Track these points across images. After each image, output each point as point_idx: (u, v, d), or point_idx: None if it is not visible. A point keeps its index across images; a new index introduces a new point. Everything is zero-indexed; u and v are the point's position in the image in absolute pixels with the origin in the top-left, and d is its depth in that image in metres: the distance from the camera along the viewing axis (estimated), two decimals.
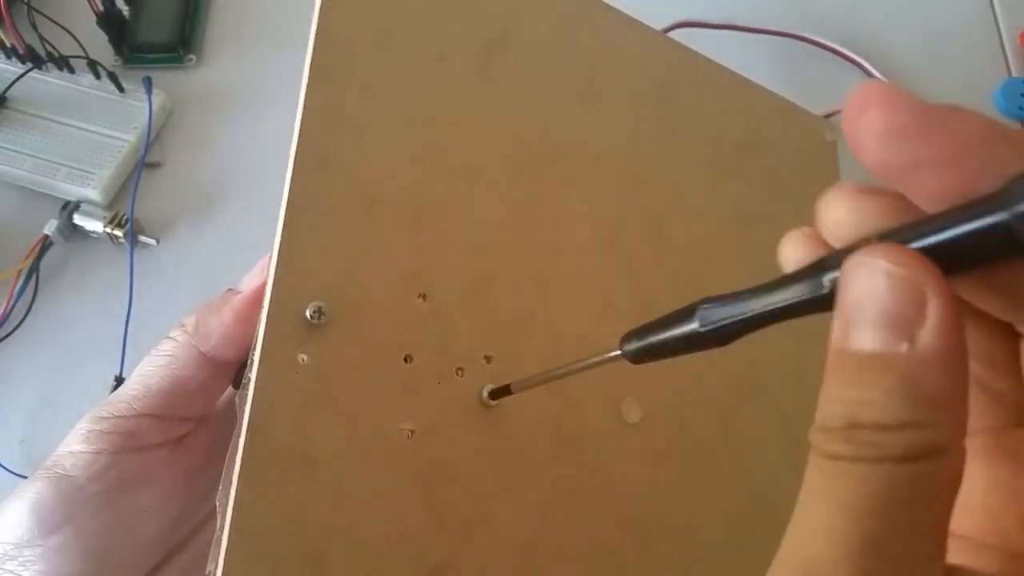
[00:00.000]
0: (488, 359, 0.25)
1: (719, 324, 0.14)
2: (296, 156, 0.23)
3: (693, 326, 0.15)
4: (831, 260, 0.12)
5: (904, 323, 0.10)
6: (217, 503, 0.20)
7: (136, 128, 0.42)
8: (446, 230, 0.25)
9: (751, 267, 0.34)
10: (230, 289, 0.25)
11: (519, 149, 0.28)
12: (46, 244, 0.39)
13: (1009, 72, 0.49)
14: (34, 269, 0.39)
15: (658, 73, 0.34)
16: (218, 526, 0.19)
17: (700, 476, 0.28)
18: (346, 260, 0.23)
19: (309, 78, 0.23)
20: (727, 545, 0.28)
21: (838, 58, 0.47)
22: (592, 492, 0.26)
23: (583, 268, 0.28)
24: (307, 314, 0.21)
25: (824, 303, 0.12)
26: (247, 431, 0.20)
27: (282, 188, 0.22)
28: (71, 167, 0.40)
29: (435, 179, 0.26)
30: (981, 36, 0.50)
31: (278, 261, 0.21)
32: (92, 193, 0.40)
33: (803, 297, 0.13)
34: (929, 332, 0.10)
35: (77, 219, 0.39)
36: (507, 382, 0.24)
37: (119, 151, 0.41)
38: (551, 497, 0.25)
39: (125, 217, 0.40)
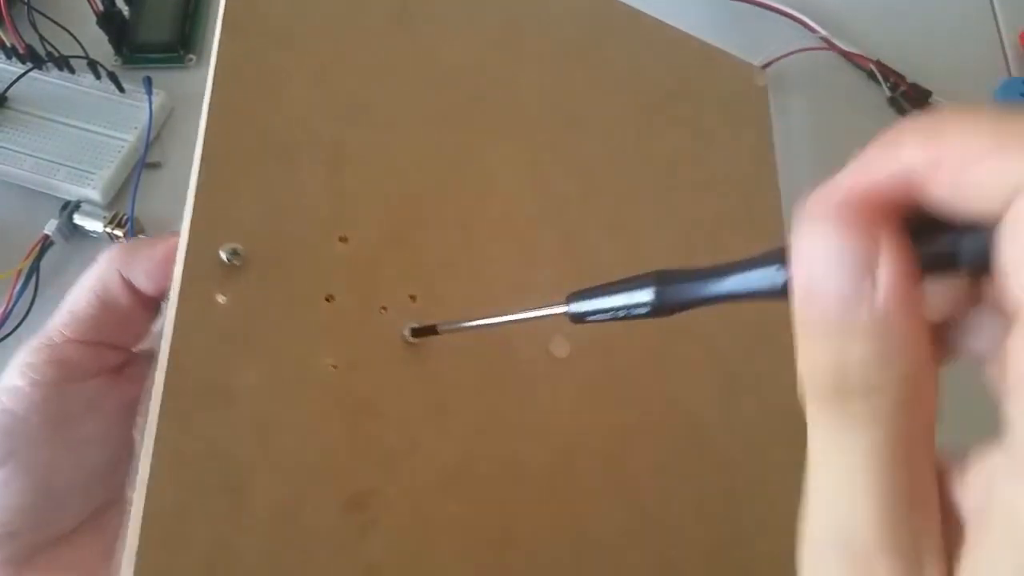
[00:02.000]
0: (413, 298, 0.25)
1: (674, 302, 0.14)
2: (210, 106, 0.23)
3: (646, 300, 0.15)
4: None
5: (857, 283, 0.11)
6: (135, 434, 0.20)
7: (136, 128, 0.42)
8: (367, 176, 0.26)
9: (679, 211, 0.34)
10: (175, 232, 0.25)
11: (441, 96, 0.29)
12: (46, 244, 0.39)
13: (1009, 72, 0.49)
14: (34, 269, 0.39)
15: (583, 22, 0.34)
16: (137, 455, 0.19)
17: (628, 407, 0.29)
18: (262, 205, 0.23)
19: (222, 30, 0.24)
20: (656, 471, 0.28)
21: (778, 15, 0.49)
22: (519, 424, 0.26)
23: (509, 212, 0.29)
24: (223, 256, 0.22)
25: (785, 292, 0.12)
26: (167, 367, 0.20)
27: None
28: (71, 167, 0.40)
29: (354, 127, 0.26)
30: (981, 36, 0.50)
31: (193, 206, 0.22)
32: (92, 193, 0.40)
33: (763, 287, 0.13)
34: (881, 285, 0.11)
35: (77, 219, 0.39)
36: (432, 321, 0.24)
37: (119, 151, 0.41)
38: (477, 428, 0.25)
39: (125, 217, 0.40)
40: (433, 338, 0.24)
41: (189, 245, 0.21)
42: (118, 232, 0.39)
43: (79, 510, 0.25)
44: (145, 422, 0.20)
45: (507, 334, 0.27)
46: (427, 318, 0.25)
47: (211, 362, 0.21)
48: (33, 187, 0.40)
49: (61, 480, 0.24)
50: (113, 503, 0.25)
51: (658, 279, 0.15)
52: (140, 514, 0.18)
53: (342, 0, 0.27)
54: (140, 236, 0.34)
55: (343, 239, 0.24)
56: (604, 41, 0.34)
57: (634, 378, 0.29)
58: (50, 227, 0.39)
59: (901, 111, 0.47)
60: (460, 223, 0.27)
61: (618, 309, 0.16)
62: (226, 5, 0.24)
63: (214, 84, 0.23)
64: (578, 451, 0.27)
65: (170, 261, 0.23)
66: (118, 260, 0.25)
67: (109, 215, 0.40)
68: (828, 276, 0.11)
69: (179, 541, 0.19)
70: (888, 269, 0.11)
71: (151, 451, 0.19)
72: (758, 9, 0.49)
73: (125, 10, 0.45)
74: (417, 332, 0.24)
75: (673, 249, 0.33)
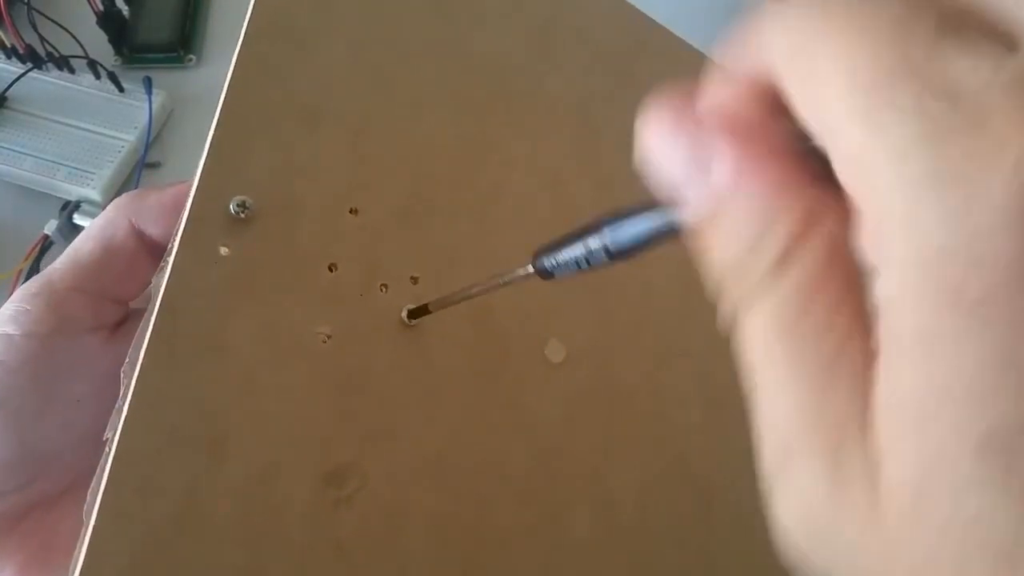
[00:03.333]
0: (415, 280, 0.25)
1: (624, 238, 0.14)
2: (238, 56, 0.23)
3: (600, 240, 0.15)
4: None
5: (698, 169, 0.11)
6: (122, 374, 0.19)
7: (136, 128, 0.42)
8: (386, 153, 0.26)
9: None
10: (185, 181, 0.24)
11: (469, 85, 0.29)
12: (46, 244, 0.39)
13: None
14: (34, 269, 0.39)
15: (618, 35, 0.34)
16: (120, 395, 0.19)
17: (617, 422, 0.28)
18: (278, 164, 0.23)
19: None
20: (638, 491, 0.28)
21: None
22: (506, 422, 0.26)
23: (521, 209, 0.29)
24: (231, 207, 0.21)
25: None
26: (159, 308, 0.20)
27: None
28: (71, 167, 0.40)
29: (381, 103, 0.26)
30: None
31: (208, 154, 0.21)
32: (92, 193, 0.40)
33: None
34: (726, 156, 0.11)
35: (77, 219, 0.40)
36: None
37: (119, 151, 0.41)
38: (463, 419, 0.25)
39: None
40: (429, 324, 0.24)
41: (198, 191, 0.21)
42: None
43: (66, 473, 0.24)
44: (128, 362, 0.19)
45: (503, 332, 0.26)
46: (426, 301, 0.24)
47: (204, 312, 0.21)
48: (33, 187, 0.40)
49: (49, 439, 0.23)
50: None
51: (606, 217, 0.15)
52: (113, 452, 0.18)
53: None
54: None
55: (353, 211, 0.24)
56: (636, 58, 0.34)
57: (624, 392, 0.29)
58: (50, 227, 0.39)
59: None
60: (471, 213, 0.27)
61: (576, 257, 0.16)
62: None
63: (245, 35, 0.23)
64: (561, 458, 0.27)
65: (180, 207, 0.22)
66: (127, 207, 0.24)
67: None
68: (667, 171, 0.12)
69: (150, 486, 0.18)
70: (719, 139, 0.11)
71: (132, 390, 0.19)
72: None
73: (125, 10, 0.45)
74: (414, 313, 0.24)
75: (681, 263, 0.33)
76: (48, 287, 0.23)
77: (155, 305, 0.20)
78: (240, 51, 0.23)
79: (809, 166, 0.11)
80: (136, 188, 0.40)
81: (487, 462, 0.25)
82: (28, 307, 0.23)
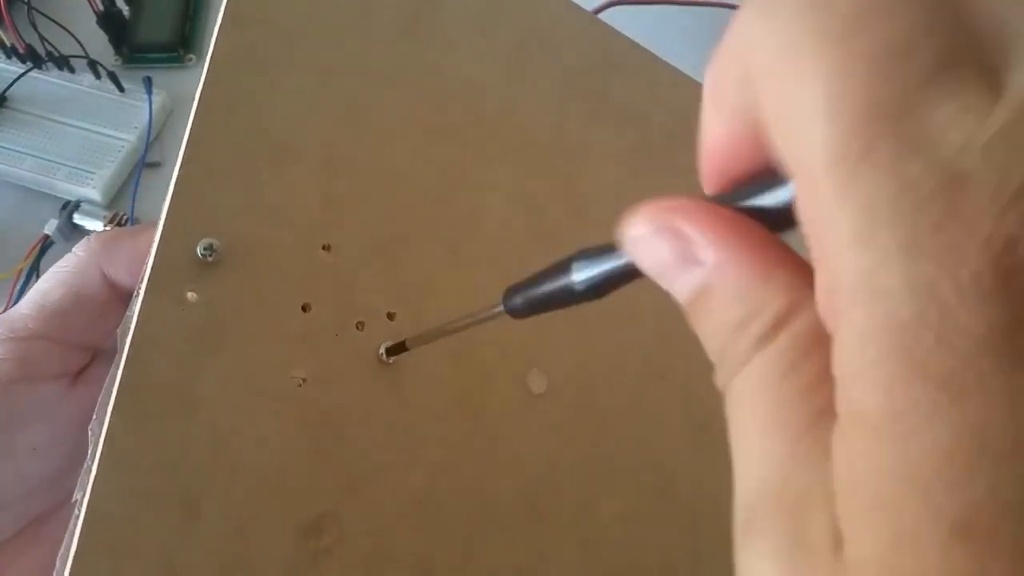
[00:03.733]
0: (391, 316, 0.24)
1: (593, 279, 0.14)
2: (202, 93, 0.22)
3: (569, 280, 0.15)
4: None
5: (682, 261, 0.11)
6: (90, 431, 0.19)
7: (136, 128, 0.42)
8: (357, 185, 0.25)
9: None
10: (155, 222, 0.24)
11: (441, 113, 0.28)
12: (46, 244, 0.39)
13: None
14: (34, 269, 0.39)
15: (590, 55, 0.33)
16: (89, 455, 0.19)
17: (602, 452, 0.28)
18: (246, 203, 0.22)
19: (223, 18, 0.23)
20: (625, 522, 0.28)
21: None
22: (489, 457, 0.25)
23: (498, 237, 0.28)
24: (198, 251, 0.21)
25: None
26: (126, 362, 0.19)
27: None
28: (71, 167, 0.40)
29: (350, 134, 0.25)
30: None
31: (172, 196, 0.21)
32: (92, 193, 0.40)
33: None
34: (707, 251, 0.11)
35: (77, 219, 0.40)
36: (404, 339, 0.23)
37: (119, 151, 0.41)
38: (445, 459, 0.24)
39: (125, 217, 0.40)
40: (408, 361, 0.24)
41: (163, 236, 0.20)
42: None
43: (18, 519, 0.23)
44: (95, 419, 0.19)
45: (484, 365, 0.26)
46: (404, 338, 0.24)
47: (173, 362, 0.20)
48: (33, 187, 0.40)
49: (1, 488, 0.22)
50: (55, 513, 0.23)
51: (579, 254, 0.15)
52: (83, 516, 0.18)
53: (353, 3, 0.26)
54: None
55: (326, 247, 0.24)
56: (610, 76, 0.34)
57: (608, 422, 0.28)
58: (50, 227, 0.39)
59: None
60: (448, 243, 0.27)
61: (547, 295, 0.16)
62: None
63: (208, 72, 0.22)
64: (545, 491, 0.26)
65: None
66: (99, 253, 0.23)
67: (109, 215, 0.40)
68: (650, 263, 0.12)
69: (122, 549, 0.18)
70: (700, 233, 0.11)
71: (100, 450, 0.18)
72: None
73: (125, 10, 0.45)
74: (392, 350, 0.23)
75: (661, 288, 0.32)
76: (12, 333, 0.22)
77: (122, 356, 0.19)
78: (203, 88, 0.22)
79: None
80: (136, 188, 0.40)
81: (470, 499, 0.24)
82: None
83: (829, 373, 0.10)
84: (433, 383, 0.25)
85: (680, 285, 0.11)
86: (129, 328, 0.20)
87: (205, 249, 0.21)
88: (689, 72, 0.37)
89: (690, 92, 0.38)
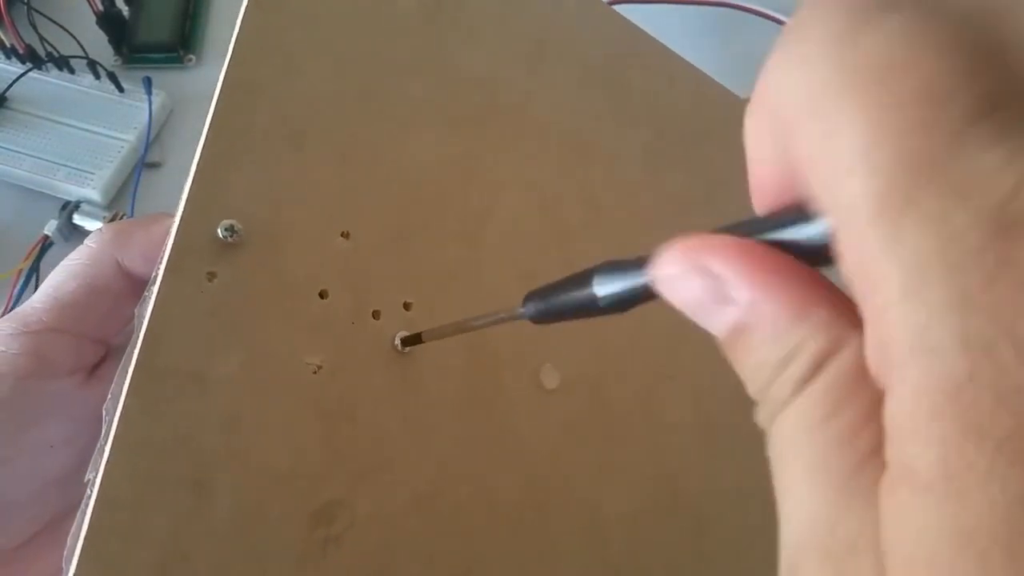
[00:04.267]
0: (407, 306, 0.24)
1: (617, 295, 0.14)
2: (225, 77, 0.22)
3: (591, 292, 0.14)
4: None
5: (716, 300, 0.11)
6: (104, 411, 0.19)
7: (136, 128, 0.42)
8: (376, 173, 0.25)
9: None
10: (168, 213, 0.23)
11: (460, 104, 0.28)
12: (46, 244, 0.39)
13: None
14: (34, 269, 0.39)
15: (610, 50, 0.33)
16: (103, 435, 0.18)
17: (611, 450, 0.28)
18: (267, 186, 0.22)
19: (249, 2, 0.23)
20: (631, 521, 0.27)
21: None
22: (498, 451, 0.25)
23: (513, 231, 0.28)
24: (219, 232, 0.20)
25: None
26: (143, 342, 0.19)
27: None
28: (71, 167, 0.40)
29: (370, 121, 0.25)
30: None
31: (194, 179, 0.21)
32: (92, 193, 0.40)
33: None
34: (740, 290, 0.11)
35: (77, 219, 0.39)
36: (421, 330, 0.23)
37: (119, 151, 0.41)
38: (455, 449, 0.24)
39: (125, 217, 0.40)
40: (422, 352, 0.24)
41: (184, 216, 0.20)
42: None
43: (33, 520, 0.22)
44: (110, 399, 0.19)
45: (497, 358, 0.26)
46: (418, 327, 0.24)
47: (190, 344, 0.20)
48: (33, 187, 0.40)
49: (15, 487, 0.22)
50: (70, 513, 0.23)
51: (603, 266, 0.14)
52: (94, 497, 0.18)
53: None
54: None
55: (345, 235, 0.24)
56: (629, 73, 0.34)
57: (619, 420, 0.28)
58: (50, 227, 0.39)
59: None
60: (463, 235, 0.27)
61: (567, 304, 0.15)
62: None
63: (233, 55, 0.22)
64: (554, 488, 0.26)
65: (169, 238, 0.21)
66: (112, 243, 0.23)
67: (109, 215, 0.40)
68: (685, 302, 0.11)
69: (132, 531, 0.18)
70: (733, 272, 0.11)
71: (114, 431, 0.18)
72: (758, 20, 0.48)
73: (125, 10, 0.45)
74: (407, 341, 0.23)
75: None
76: (26, 327, 0.22)
77: (138, 337, 0.19)
78: (227, 73, 0.22)
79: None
80: (136, 188, 0.40)
81: (479, 493, 0.24)
82: (3, 348, 0.21)
83: (875, 413, 0.09)
84: (446, 375, 0.25)
85: (716, 324, 0.11)
86: (147, 309, 0.20)
87: (226, 230, 0.20)
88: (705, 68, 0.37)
89: (708, 89, 0.37)
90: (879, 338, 0.09)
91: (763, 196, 0.12)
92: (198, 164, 0.21)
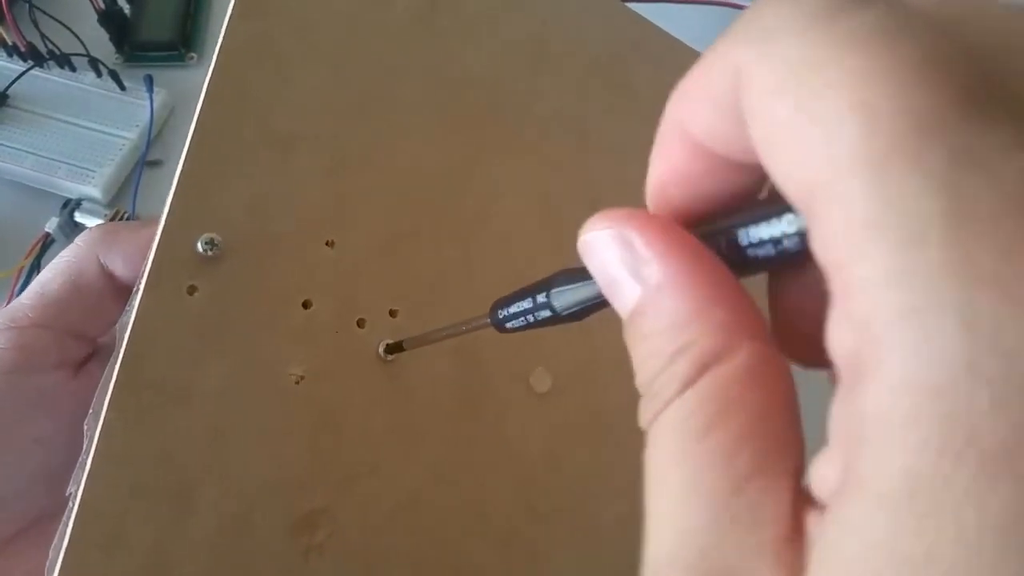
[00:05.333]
0: (393, 313, 0.24)
1: (572, 307, 0.14)
2: (209, 85, 0.22)
3: (549, 301, 0.14)
4: None
5: (628, 272, 0.11)
6: (85, 427, 0.19)
7: (137, 126, 0.42)
8: (367, 180, 0.25)
9: None
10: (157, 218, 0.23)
11: (457, 106, 0.27)
12: (47, 242, 0.39)
13: None
14: (35, 267, 0.39)
15: (612, 40, 0.32)
16: (83, 449, 0.19)
17: (604, 453, 0.28)
18: (249, 197, 0.22)
19: (234, 5, 0.23)
20: (625, 524, 0.27)
21: None
22: (489, 457, 0.25)
23: (509, 234, 0.27)
24: (199, 246, 0.21)
25: None
26: (123, 357, 0.19)
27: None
28: (72, 165, 0.40)
29: (362, 127, 0.25)
30: None
31: (176, 190, 0.21)
32: (93, 191, 0.40)
33: None
34: (651, 269, 0.10)
35: (78, 217, 0.40)
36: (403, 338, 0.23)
37: (120, 149, 0.41)
38: (444, 456, 0.24)
39: (126, 215, 0.40)
40: (408, 359, 0.23)
41: (165, 230, 0.20)
42: None
43: (17, 517, 0.23)
44: (91, 413, 0.19)
45: (487, 363, 0.25)
46: (405, 335, 0.23)
47: (171, 356, 0.20)
48: (34, 185, 0.40)
49: (1, 482, 0.22)
50: (57, 512, 0.23)
51: (559, 275, 0.14)
52: (76, 509, 0.18)
53: None
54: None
55: (329, 243, 0.23)
56: (634, 65, 0.33)
57: (610, 420, 0.28)
58: (51, 225, 0.39)
59: None
60: (457, 239, 0.26)
61: (526, 313, 0.15)
62: None
63: (217, 64, 0.22)
64: (543, 494, 0.26)
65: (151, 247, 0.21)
66: (98, 244, 0.24)
67: (110, 213, 0.40)
68: (602, 268, 0.11)
69: (115, 543, 0.18)
70: (649, 247, 0.10)
71: (95, 444, 0.18)
72: None
73: (126, 8, 0.45)
74: (390, 348, 0.23)
75: None
76: (12, 323, 0.22)
77: (119, 351, 0.19)
78: (211, 78, 0.22)
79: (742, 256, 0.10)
80: (137, 186, 0.40)
81: (466, 501, 0.24)
82: None
83: (761, 430, 0.09)
84: (434, 381, 0.24)
85: (620, 300, 0.11)
86: (128, 323, 0.20)
87: (206, 244, 0.21)
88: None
89: None
90: (856, 319, 0.08)
91: (666, 191, 0.12)
92: (180, 175, 0.21)
